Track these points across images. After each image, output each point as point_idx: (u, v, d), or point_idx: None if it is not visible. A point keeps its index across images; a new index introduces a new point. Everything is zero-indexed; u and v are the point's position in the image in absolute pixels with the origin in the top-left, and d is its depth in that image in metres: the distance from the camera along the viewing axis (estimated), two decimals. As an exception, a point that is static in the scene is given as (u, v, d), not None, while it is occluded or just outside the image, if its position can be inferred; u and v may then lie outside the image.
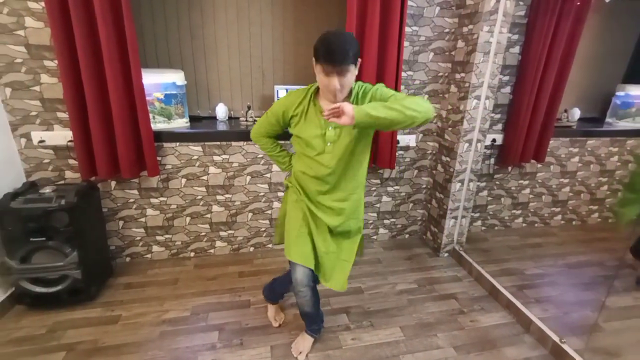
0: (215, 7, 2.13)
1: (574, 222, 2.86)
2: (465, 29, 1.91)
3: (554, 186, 2.67)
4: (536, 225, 2.78)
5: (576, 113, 2.62)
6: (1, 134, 1.68)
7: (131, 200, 2.00)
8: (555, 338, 1.51)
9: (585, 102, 2.76)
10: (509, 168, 2.50)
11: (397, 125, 1.01)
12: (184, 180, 2.03)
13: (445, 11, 1.99)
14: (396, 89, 1.92)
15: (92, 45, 1.60)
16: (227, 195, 2.12)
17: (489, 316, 1.77)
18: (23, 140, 1.77)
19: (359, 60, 1.10)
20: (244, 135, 2.01)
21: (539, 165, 2.55)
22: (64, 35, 1.55)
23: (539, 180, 2.61)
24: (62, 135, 1.79)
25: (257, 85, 2.37)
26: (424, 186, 2.43)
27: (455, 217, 2.23)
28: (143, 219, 2.06)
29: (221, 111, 2.27)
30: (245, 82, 2.35)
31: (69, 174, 1.87)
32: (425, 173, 2.39)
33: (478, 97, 1.93)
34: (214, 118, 2.30)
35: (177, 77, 2.00)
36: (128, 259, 2.13)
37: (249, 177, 2.11)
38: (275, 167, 2.13)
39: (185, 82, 2.04)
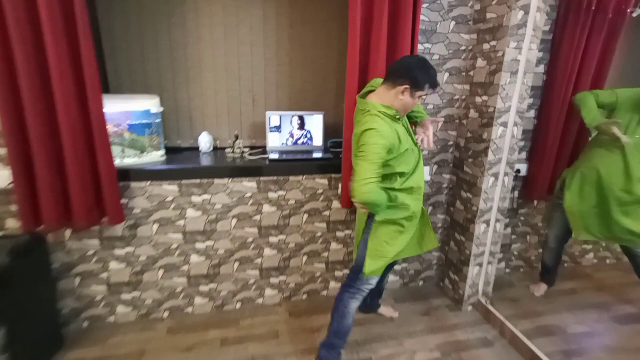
0: (199, 24, 1.87)
1: (608, 261, 2.52)
2: (486, 46, 1.64)
3: (585, 221, 2.35)
4: (566, 265, 2.43)
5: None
6: None
7: (90, 252, 1.64)
8: None
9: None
10: (535, 202, 2.19)
11: None
12: (156, 227, 1.68)
13: (461, 26, 1.74)
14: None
15: (39, 67, 1.30)
16: (208, 243, 1.77)
17: (538, 400, 1.39)
18: (-47, 183, 1.43)
19: None
20: (230, 171, 1.69)
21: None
22: (1, 54, 1.25)
23: (569, 215, 2.29)
24: (1, 176, 1.45)
25: (247, 111, 2.08)
26: (440, 225, 2.10)
27: (480, 264, 1.88)
28: (105, 275, 1.69)
29: (205, 141, 1.96)
30: (233, 107, 2.06)
31: (10, 223, 1.52)
32: (440, 210, 2.07)
33: (505, 124, 1.64)
34: (197, 149, 1.99)
35: (151, 104, 1.70)
36: (86, 324, 1.73)
37: (235, 221, 1.77)
38: (266, 209, 1.79)
39: (162, 109, 1.74)
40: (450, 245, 2.03)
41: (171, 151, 1.90)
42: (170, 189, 1.64)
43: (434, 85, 1.22)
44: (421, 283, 2.21)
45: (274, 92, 2.08)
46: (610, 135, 1.62)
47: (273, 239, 1.86)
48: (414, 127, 1.46)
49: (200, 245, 1.76)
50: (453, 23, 1.73)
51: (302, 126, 2.02)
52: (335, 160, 1.82)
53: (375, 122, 1.19)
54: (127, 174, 1.58)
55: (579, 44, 1.75)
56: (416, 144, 1.35)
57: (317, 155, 1.92)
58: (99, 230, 1.62)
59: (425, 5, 1.66)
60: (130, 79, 1.86)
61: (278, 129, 1.99)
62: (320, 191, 1.83)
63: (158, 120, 1.74)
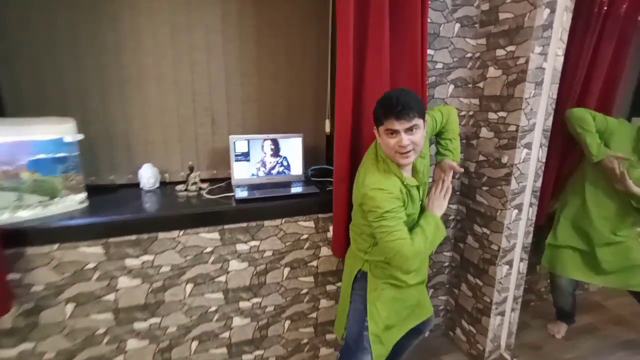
0: (137, 24, 1.41)
1: (612, 284, 2.34)
2: (500, 52, 1.36)
3: (591, 244, 2.14)
4: (576, 293, 2.20)
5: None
6: None
7: (-40, 356, 1.07)
8: None
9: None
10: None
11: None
12: (70, 307, 1.15)
13: (466, 30, 1.45)
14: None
15: None
16: (153, 320, 1.27)
17: None
18: None
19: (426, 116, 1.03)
20: (182, 220, 1.22)
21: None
22: None
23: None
24: None
25: (204, 134, 1.64)
26: (447, 264, 1.76)
27: (502, 313, 1.55)
28: (-12, 387, 1.12)
29: (147, 176, 1.47)
30: (186, 130, 1.60)
31: None
32: (448, 246, 1.73)
33: (529, 145, 1.35)
34: (136, 185, 1.50)
35: (62, 130, 1.20)
36: None
37: (190, 286, 1.29)
38: (234, 266, 1.33)
39: (80, 137, 1.24)
40: (462, 288, 1.69)
41: (100, 191, 1.39)
42: (90, 251, 1.14)
43: (385, 113, 0.95)
44: (427, 334, 1.84)
45: (239, 111, 1.66)
46: (614, 175, 1.43)
47: (244, 304, 1.39)
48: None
49: (140, 325, 1.25)
50: (457, 25, 1.43)
51: (276, 152, 1.61)
52: (323, 195, 1.42)
53: (381, 180, 1.04)
54: (22, 236, 1.06)
55: (589, 51, 1.54)
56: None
57: (298, 188, 1.51)
58: (-27, 322, 1.06)
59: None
60: (38, 98, 1.35)
61: (246, 156, 1.56)
62: (305, 236, 1.42)
63: (74, 153, 1.24)
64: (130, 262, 1.19)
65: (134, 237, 1.17)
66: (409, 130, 0.95)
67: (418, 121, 0.95)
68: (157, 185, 1.51)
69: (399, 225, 0.98)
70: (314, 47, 1.68)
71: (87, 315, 1.18)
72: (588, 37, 1.52)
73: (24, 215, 1.13)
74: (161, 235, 1.20)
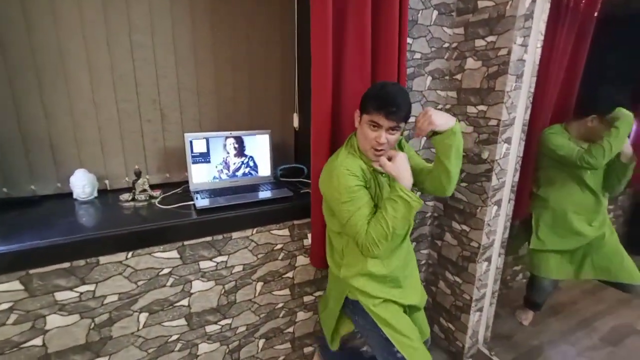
0: (51, -7, 1.12)
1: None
2: (480, 42, 1.30)
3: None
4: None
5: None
6: None
7: None
8: None
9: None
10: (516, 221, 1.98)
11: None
12: (-21, 361, 0.89)
13: (443, 18, 1.37)
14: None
15: None
16: (97, 362, 1.04)
17: None
18: None
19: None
20: (129, 239, 1.00)
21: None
22: None
23: (537, 227, 2.16)
24: None
25: (152, 132, 1.39)
26: (424, 262, 1.72)
27: (481, 309, 1.54)
28: None
29: (81, 184, 1.22)
30: (129, 128, 1.35)
31: None
32: (425, 244, 1.68)
33: (509, 140, 1.31)
34: (68, 195, 1.23)
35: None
36: None
37: (144, 316, 1.08)
38: (197, 286, 1.14)
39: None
40: (439, 285, 1.66)
41: (17, 205, 1.11)
42: (4, 288, 0.88)
43: (377, 107, 0.90)
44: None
45: (194, 104, 1.44)
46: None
47: (212, 328, 1.21)
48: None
49: (82, 371, 1.02)
50: (435, 12, 1.34)
51: (240, 152, 1.42)
52: (297, 198, 1.27)
53: (344, 156, 1.00)
54: None
55: (557, 46, 1.54)
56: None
57: (267, 192, 1.34)
58: None
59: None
60: None
61: (205, 157, 1.35)
62: (279, 246, 1.26)
63: (-25, 159, 0.95)
64: (61, 295, 0.94)
65: (65, 265, 0.93)
66: (391, 129, 0.93)
67: (401, 124, 0.94)
68: (95, 194, 1.26)
69: (362, 207, 0.93)
70: (279, 31, 1.50)
71: (4, 368, 0.92)
72: (557, 31, 1.53)
73: None
74: (103, 259, 0.97)
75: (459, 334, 1.59)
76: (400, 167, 0.92)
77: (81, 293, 0.97)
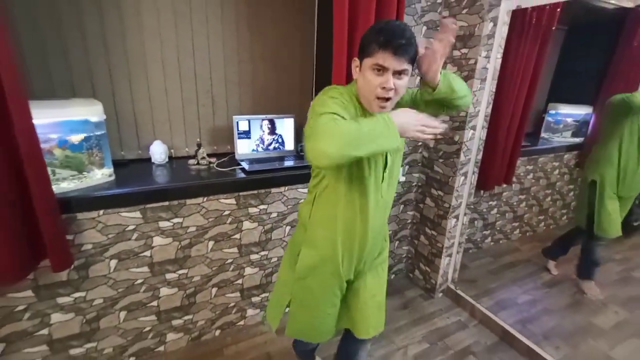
0: (139, 8, 1.53)
1: (528, 234, 3.01)
2: (457, 53, 1.73)
3: (515, 203, 2.75)
4: (501, 242, 2.83)
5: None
6: None
7: (20, 307, 1.26)
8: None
9: (525, 119, 2.92)
10: (482, 192, 2.45)
11: (460, 100, 0.96)
12: (114, 263, 1.37)
13: (431, 32, 1.79)
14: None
15: None
16: (181, 272, 1.53)
17: (515, 371, 1.60)
18: None
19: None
20: (204, 189, 1.46)
21: (504, 185, 2.58)
22: None
23: (504, 200, 2.65)
24: None
25: (206, 114, 1.83)
26: (410, 221, 2.21)
27: (450, 255, 2.04)
28: (45, 331, 1.32)
29: (159, 152, 1.66)
30: (189, 111, 1.78)
31: None
32: (410, 207, 2.16)
33: (474, 127, 1.77)
34: (147, 161, 1.68)
35: (90, 111, 1.35)
36: (20, 396, 1.35)
37: (211, 243, 1.56)
38: (246, 225, 1.62)
39: (104, 117, 1.39)
40: (420, 239, 2.15)
41: (115, 166, 1.56)
42: (130, 216, 1.35)
43: (383, 43, 0.78)
44: (392, 276, 2.31)
45: (236, 93, 1.87)
46: None
47: (253, 258, 1.70)
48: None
49: (171, 275, 1.51)
50: (424, 27, 1.76)
51: (272, 131, 1.86)
52: (316, 167, 1.73)
53: (336, 91, 0.89)
54: (69, 204, 1.23)
55: (520, 55, 1.97)
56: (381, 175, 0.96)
57: (290, 161, 1.80)
58: (33, 277, 1.24)
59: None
60: (48, 80, 1.44)
61: (247, 134, 1.79)
62: (302, 201, 1.74)
63: (101, 132, 1.40)
64: (163, 224, 1.42)
65: (166, 203, 1.40)
66: (399, 73, 0.82)
67: (409, 67, 0.83)
68: (166, 160, 1.70)
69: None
70: (300, 35, 1.90)
71: (127, 269, 1.41)
72: (520, 43, 1.95)
73: (64, 187, 1.29)
74: (189, 201, 1.44)
75: (433, 275, 2.09)
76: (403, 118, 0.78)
77: (174, 223, 1.44)
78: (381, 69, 0.81)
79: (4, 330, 1.25)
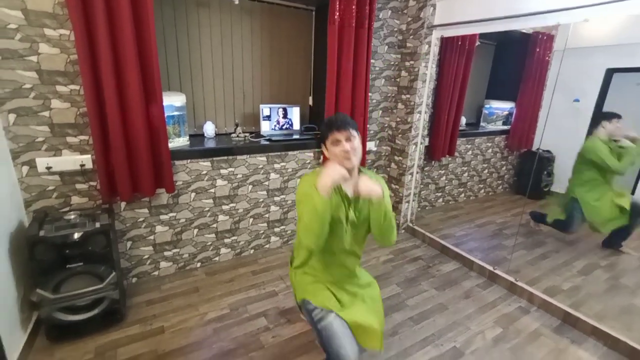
0: (201, 32, 2.34)
1: (471, 197, 3.98)
2: (407, 63, 2.64)
3: (459, 173, 3.70)
4: (450, 202, 3.77)
5: (462, 120, 3.70)
6: (1, 164, 1.57)
7: (141, 219, 2.04)
8: (490, 268, 2.32)
9: (468, 112, 3.90)
10: (433, 162, 3.39)
11: (380, 222, 1.23)
12: (193, 195, 2.17)
13: (391, 49, 2.69)
14: (365, 106, 2.52)
15: (115, 69, 1.68)
16: (231, 205, 2.34)
17: (446, 266, 2.51)
18: (25, 168, 1.67)
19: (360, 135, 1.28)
20: (246, 150, 2.28)
21: (450, 158, 3.52)
22: (89, 60, 1.60)
23: (450, 170, 3.59)
24: (71, 160, 1.76)
25: (239, 104, 2.64)
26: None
27: (408, 202, 2.95)
28: (152, 237, 2.10)
29: (210, 129, 2.46)
30: (228, 101, 2.59)
31: (75, 200, 1.83)
32: (381, 171, 3.06)
33: (420, 112, 2.68)
34: (200, 135, 2.48)
35: (178, 99, 2.14)
36: (134, 280, 2.12)
37: (250, 187, 2.38)
38: (272, 176, 2.45)
39: (185, 104, 2.19)
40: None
41: (185, 137, 2.35)
42: (204, 164, 2.15)
43: (329, 128, 1.20)
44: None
45: (259, 88, 2.69)
46: None
47: (276, 199, 2.53)
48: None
49: (225, 207, 2.32)
50: (386, 47, 2.66)
51: (285, 115, 2.70)
52: (312, 140, 2.60)
53: (309, 176, 1.26)
54: (172, 154, 2.03)
55: (453, 64, 2.91)
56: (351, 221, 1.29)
57: (297, 135, 2.64)
58: (148, 200, 2.03)
59: (370, 34, 2.53)
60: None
61: (268, 117, 2.63)
62: (308, 161, 2.58)
63: (182, 113, 2.20)
64: (222, 171, 2.23)
65: (225, 157, 2.21)
66: (348, 139, 1.19)
67: (354, 132, 1.21)
68: (214, 135, 2.51)
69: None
70: (303, 45, 2.75)
71: (200, 200, 2.21)
72: (452, 56, 2.88)
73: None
74: (239, 157, 2.26)
75: (397, 217, 2.99)
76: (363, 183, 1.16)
77: (229, 171, 2.25)
78: (337, 141, 1.20)
79: (131, 233, 2.03)
